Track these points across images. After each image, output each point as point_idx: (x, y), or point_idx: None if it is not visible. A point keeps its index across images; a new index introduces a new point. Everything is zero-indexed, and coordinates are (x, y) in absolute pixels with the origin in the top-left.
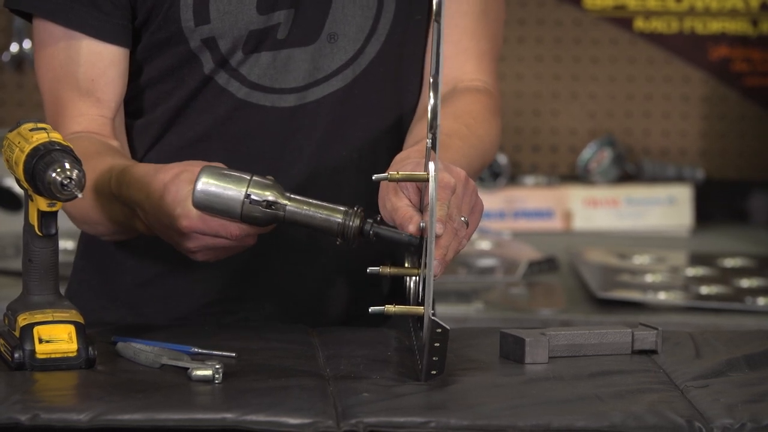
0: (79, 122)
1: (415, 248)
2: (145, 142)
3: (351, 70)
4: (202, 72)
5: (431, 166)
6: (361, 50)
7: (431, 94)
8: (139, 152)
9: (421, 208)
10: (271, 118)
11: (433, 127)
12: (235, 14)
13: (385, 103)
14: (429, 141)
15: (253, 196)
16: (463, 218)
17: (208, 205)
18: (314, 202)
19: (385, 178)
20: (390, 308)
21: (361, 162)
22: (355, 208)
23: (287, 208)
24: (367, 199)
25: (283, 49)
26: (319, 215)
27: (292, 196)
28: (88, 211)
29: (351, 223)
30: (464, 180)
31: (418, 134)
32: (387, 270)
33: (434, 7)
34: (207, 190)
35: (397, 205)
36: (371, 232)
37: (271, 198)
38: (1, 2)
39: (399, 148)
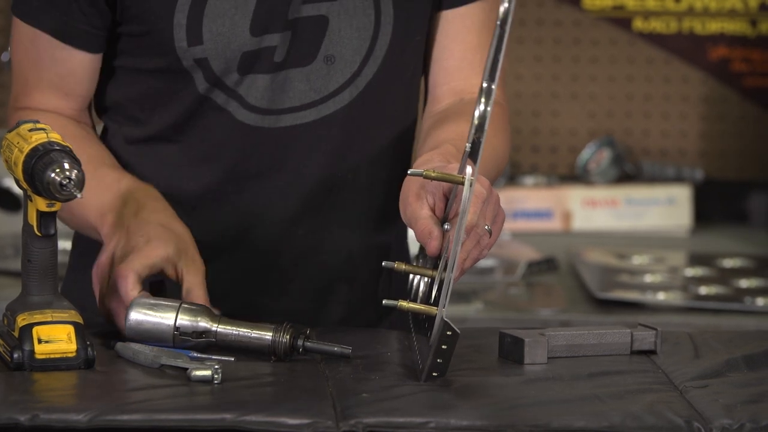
0: (54, 103)
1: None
2: (144, 158)
3: (348, 92)
4: (197, 91)
5: (468, 170)
6: (358, 72)
7: (482, 101)
8: (137, 168)
9: (445, 216)
10: (269, 138)
11: (478, 132)
12: (228, 36)
13: (383, 123)
14: (468, 145)
15: (182, 329)
16: (486, 227)
17: (141, 336)
18: (243, 323)
19: (420, 175)
20: (403, 304)
21: (358, 182)
22: (284, 324)
23: (218, 332)
24: (364, 220)
25: (281, 71)
26: (250, 335)
27: (222, 318)
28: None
29: (281, 339)
30: (488, 189)
31: (435, 139)
32: (402, 267)
33: (500, 14)
34: (139, 320)
35: (418, 215)
36: (302, 347)
37: (201, 326)
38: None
39: (398, 167)
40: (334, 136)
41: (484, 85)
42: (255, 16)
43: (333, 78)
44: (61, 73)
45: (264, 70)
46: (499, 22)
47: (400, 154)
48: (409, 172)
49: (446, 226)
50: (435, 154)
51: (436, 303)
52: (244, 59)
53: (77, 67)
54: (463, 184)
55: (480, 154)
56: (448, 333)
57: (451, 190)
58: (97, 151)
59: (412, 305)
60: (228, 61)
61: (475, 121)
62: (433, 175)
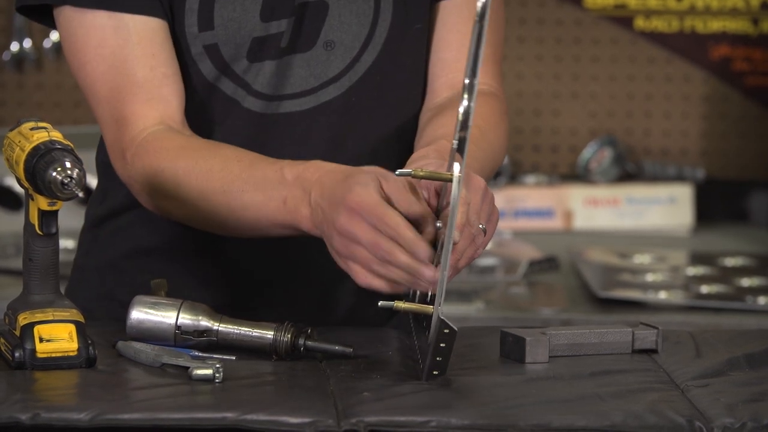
0: (155, 107)
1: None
2: None
3: (347, 78)
4: (205, 80)
5: (456, 167)
6: (357, 58)
7: (465, 97)
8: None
9: (437, 211)
10: (270, 125)
11: (463, 129)
12: (239, 21)
13: (383, 112)
14: (455, 143)
15: (184, 328)
16: (480, 225)
17: (142, 335)
18: (245, 322)
19: (409, 174)
20: (399, 304)
21: None
22: (286, 323)
23: (219, 331)
24: None
25: (284, 57)
26: (251, 334)
27: (223, 317)
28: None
29: (282, 338)
30: (483, 188)
31: (431, 134)
32: None
33: (478, 9)
34: (140, 319)
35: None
36: (303, 346)
37: (202, 325)
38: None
39: (398, 156)
40: (334, 123)
41: (466, 81)
42: (265, 2)
43: (332, 64)
44: (151, 53)
45: (271, 56)
46: (477, 18)
47: (404, 144)
48: (396, 172)
49: (438, 224)
50: (431, 150)
51: (432, 302)
52: (254, 45)
53: (163, 38)
54: (451, 181)
55: (466, 150)
56: (445, 331)
57: (442, 186)
58: (233, 151)
59: (408, 305)
60: (238, 47)
61: (460, 118)
62: (421, 174)
